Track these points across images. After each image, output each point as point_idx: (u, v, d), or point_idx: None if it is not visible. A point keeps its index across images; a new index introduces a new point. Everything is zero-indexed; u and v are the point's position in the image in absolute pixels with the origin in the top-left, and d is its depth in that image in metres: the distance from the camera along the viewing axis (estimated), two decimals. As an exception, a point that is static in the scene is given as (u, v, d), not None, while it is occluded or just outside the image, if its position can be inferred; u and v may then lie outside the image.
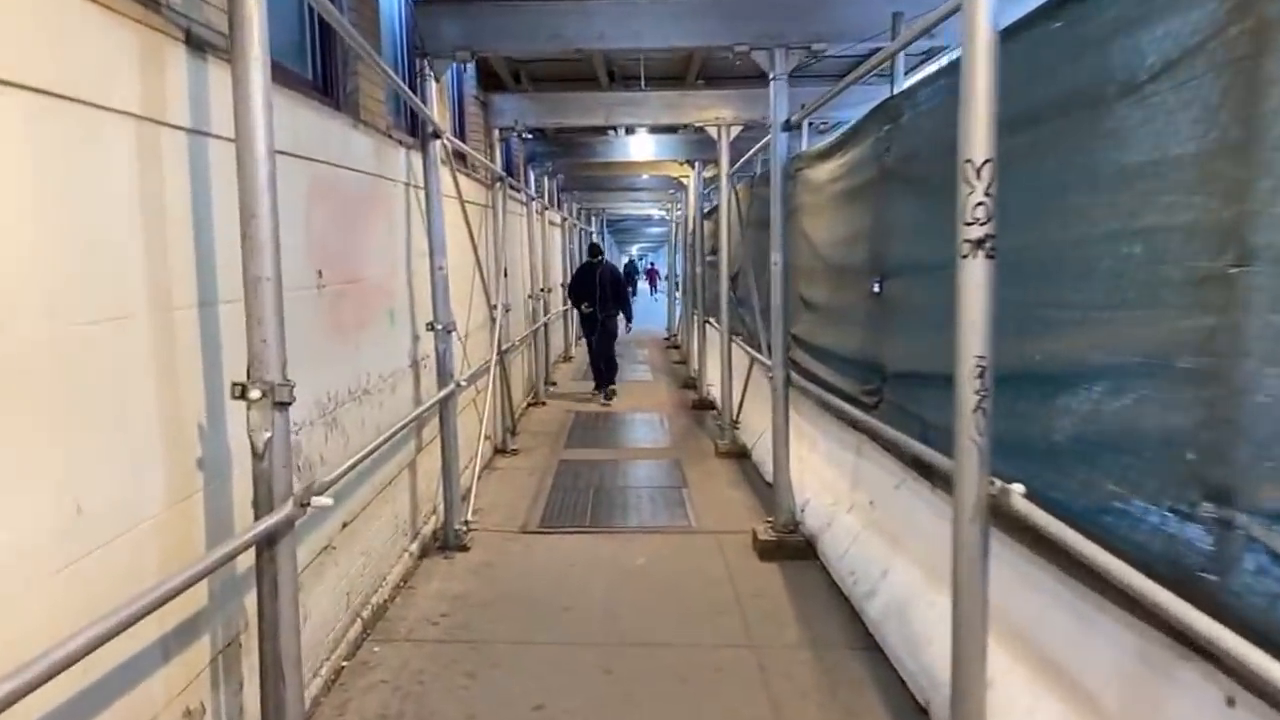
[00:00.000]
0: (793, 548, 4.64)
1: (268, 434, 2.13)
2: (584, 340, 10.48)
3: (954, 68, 3.38)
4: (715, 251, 11.03)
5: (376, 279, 4.01)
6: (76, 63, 1.80)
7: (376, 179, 4.02)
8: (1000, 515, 2.30)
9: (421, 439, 4.71)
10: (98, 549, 1.80)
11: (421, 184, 4.63)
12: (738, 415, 7.17)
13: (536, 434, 7.91)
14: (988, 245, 2.19)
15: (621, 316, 10.30)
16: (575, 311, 10.64)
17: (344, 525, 3.46)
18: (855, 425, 4.56)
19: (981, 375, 2.22)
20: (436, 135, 4.51)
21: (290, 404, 2.16)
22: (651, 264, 39.59)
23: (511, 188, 8.02)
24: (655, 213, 20.93)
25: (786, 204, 4.75)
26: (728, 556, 4.66)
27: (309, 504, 2.27)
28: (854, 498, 4.54)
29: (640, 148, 9.19)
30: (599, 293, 9.57)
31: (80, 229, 1.81)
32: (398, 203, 4.35)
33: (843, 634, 3.67)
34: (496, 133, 6.97)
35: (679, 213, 15.51)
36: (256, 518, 2.13)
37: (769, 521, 4.88)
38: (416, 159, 4.61)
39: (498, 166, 6.94)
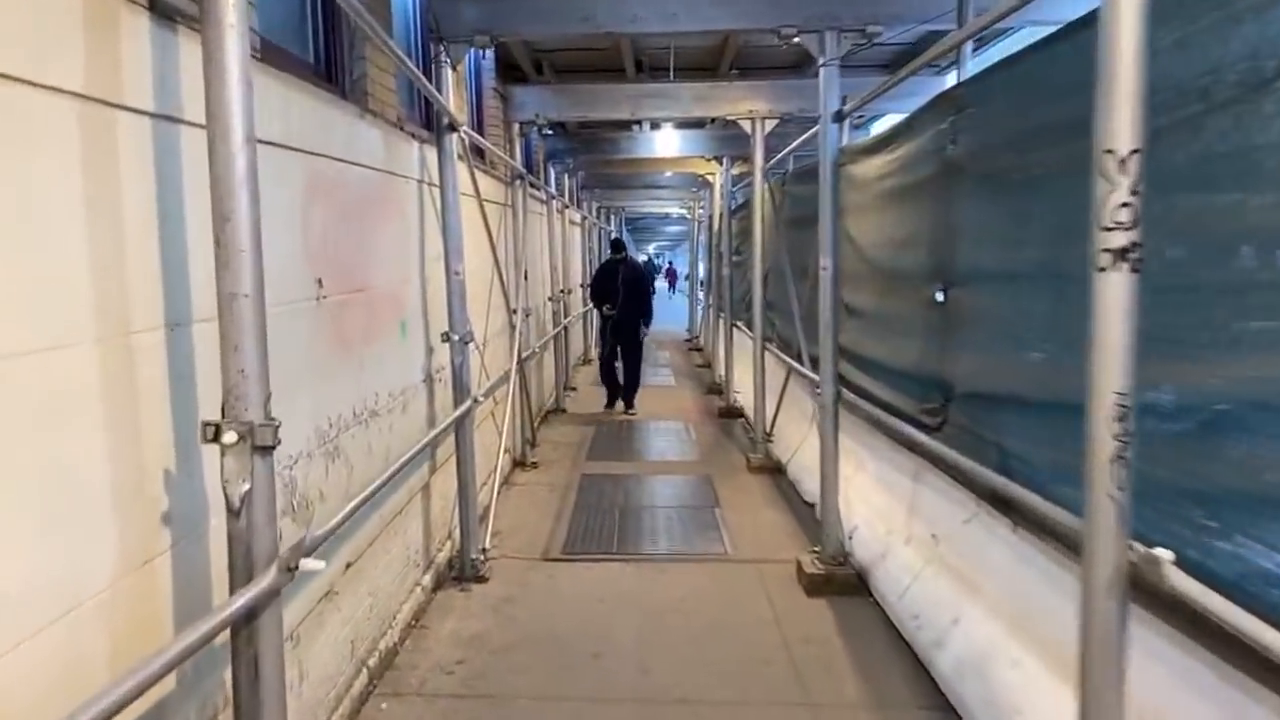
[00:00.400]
0: (842, 582, 4.21)
1: (245, 485, 1.73)
2: (602, 345, 9.54)
3: (1046, 47, 2.96)
4: (740, 252, 10.61)
5: (386, 286, 3.62)
6: (-6, 25, 1.40)
7: (387, 175, 3.63)
8: (1142, 589, 1.88)
9: (436, 459, 4.33)
10: (16, 645, 1.41)
11: (436, 181, 4.24)
12: (771, 427, 6.74)
13: (557, 444, 7.52)
14: (1133, 256, 1.76)
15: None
16: (596, 314, 10.00)
17: (347, 566, 3.07)
18: (912, 447, 4.13)
19: (1123, 418, 1.79)
20: (453, 128, 4.12)
21: (274, 447, 1.76)
22: (669, 263, 39.32)
23: (531, 185, 7.63)
24: (675, 210, 20.50)
25: (836, 202, 4.31)
26: (770, 591, 4.24)
27: (296, 568, 1.87)
28: (912, 528, 4.11)
29: (666, 143, 8.78)
30: (621, 293, 8.85)
31: None
32: (410, 201, 3.96)
33: (908, 689, 3.25)
34: (516, 127, 6.58)
35: (702, 211, 15.09)
36: (232, 590, 1.74)
37: (815, 551, 4.46)
38: (431, 154, 4.22)
39: (517, 163, 6.55)
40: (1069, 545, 2.58)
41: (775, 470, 6.56)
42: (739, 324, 9.66)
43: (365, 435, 3.25)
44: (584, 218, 12.73)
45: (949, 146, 3.74)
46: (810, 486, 5.87)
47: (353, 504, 2.51)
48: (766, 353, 6.86)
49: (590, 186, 13.05)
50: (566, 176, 10.46)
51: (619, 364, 9.06)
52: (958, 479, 3.69)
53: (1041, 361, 2.85)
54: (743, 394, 9.17)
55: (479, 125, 6.37)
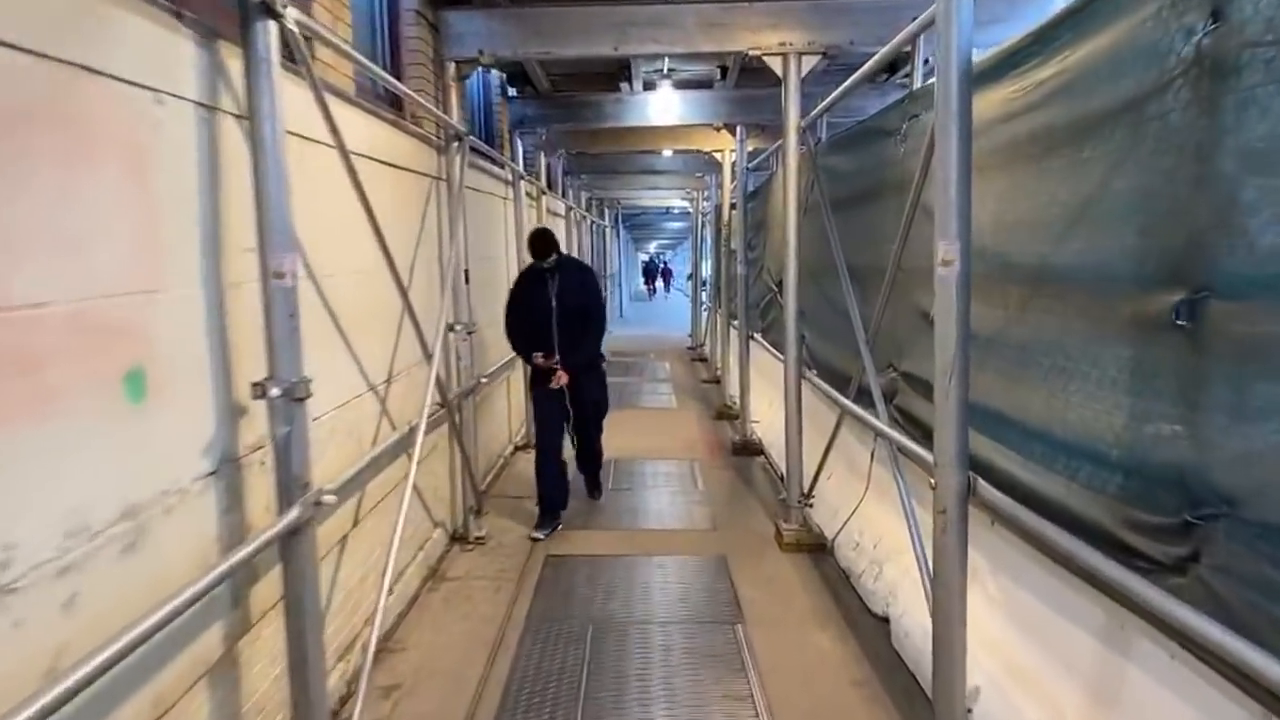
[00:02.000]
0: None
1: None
2: (538, 418, 5.33)
3: None
4: (754, 246, 8.71)
5: (85, 305, 1.74)
6: None
7: (75, 77, 1.74)
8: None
9: (249, 608, 2.44)
10: None
11: (239, 108, 2.36)
12: (811, 487, 4.84)
13: (516, 503, 5.62)
14: None
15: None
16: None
17: None
18: (1111, 591, 2.24)
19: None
20: (269, 9, 2.22)
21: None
22: (665, 262, 38.31)
23: (483, 155, 5.74)
24: (677, 204, 18.60)
25: (968, 145, 2.39)
26: None
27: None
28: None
29: (663, 108, 6.88)
30: (557, 325, 4.91)
31: None
32: (158, 137, 2.07)
33: None
34: (453, 68, 4.68)
35: (707, 204, 13.21)
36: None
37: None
38: (232, 59, 2.33)
39: (455, 119, 4.66)
40: None
41: (816, 548, 4.67)
42: (756, 336, 7.75)
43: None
44: (569, 208, 10.84)
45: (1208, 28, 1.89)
46: (876, 586, 3.97)
47: None
48: (805, 382, 4.94)
49: (575, 172, 11.15)
50: (543, 156, 8.56)
51: (569, 438, 5.35)
52: (1221, 668, 1.83)
53: None
54: (763, 425, 7.27)
55: (394, 64, 4.48)
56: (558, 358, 4.89)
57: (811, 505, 4.85)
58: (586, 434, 5.44)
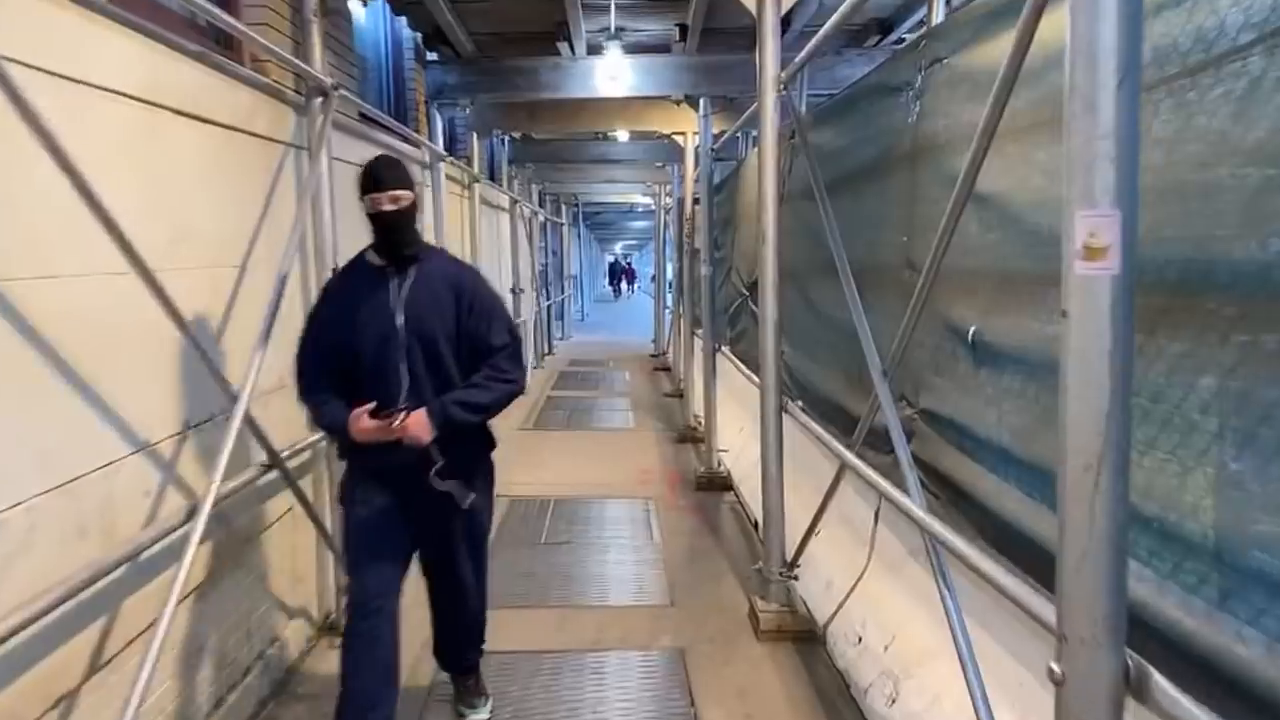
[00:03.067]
0: None
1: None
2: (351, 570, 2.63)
3: None
4: (719, 245, 7.59)
5: None
6: None
7: None
8: None
9: None
10: None
11: None
12: (796, 555, 3.69)
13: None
14: None
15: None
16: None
17: None
18: None
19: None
20: None
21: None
22: (629, 263, 38.47)
23: (375, 122, 4.54)
24: (639, 200, 17.46)
25: (1137, 39, 1.25)
26: None
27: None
28: None
29: (612, 75, 5.71)
30: (410, 365, 2.50)
31: None
32: None
33: None
34: (314, 1, 3.47)
35: (670, 198, 12.08)
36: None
37: None
38: None
39: (318, 67, 3.45)
40: None
41: (804, 636, 3.54)
42: (723, 349, 6.63)
43: None
44: (515, 201, 9.63)
45: None
46: (892, 715, 2.85)
47: None
48: (786, 416, 3.79)
49: (521, 161, 9.94)
50: (476, 139, 7.35)
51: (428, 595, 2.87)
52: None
53: None
54: (732, 454, 6.15)
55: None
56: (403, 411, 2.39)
57: (796, 578, 3.71)
58: (452, 586, 2.79)
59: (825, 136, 4.32)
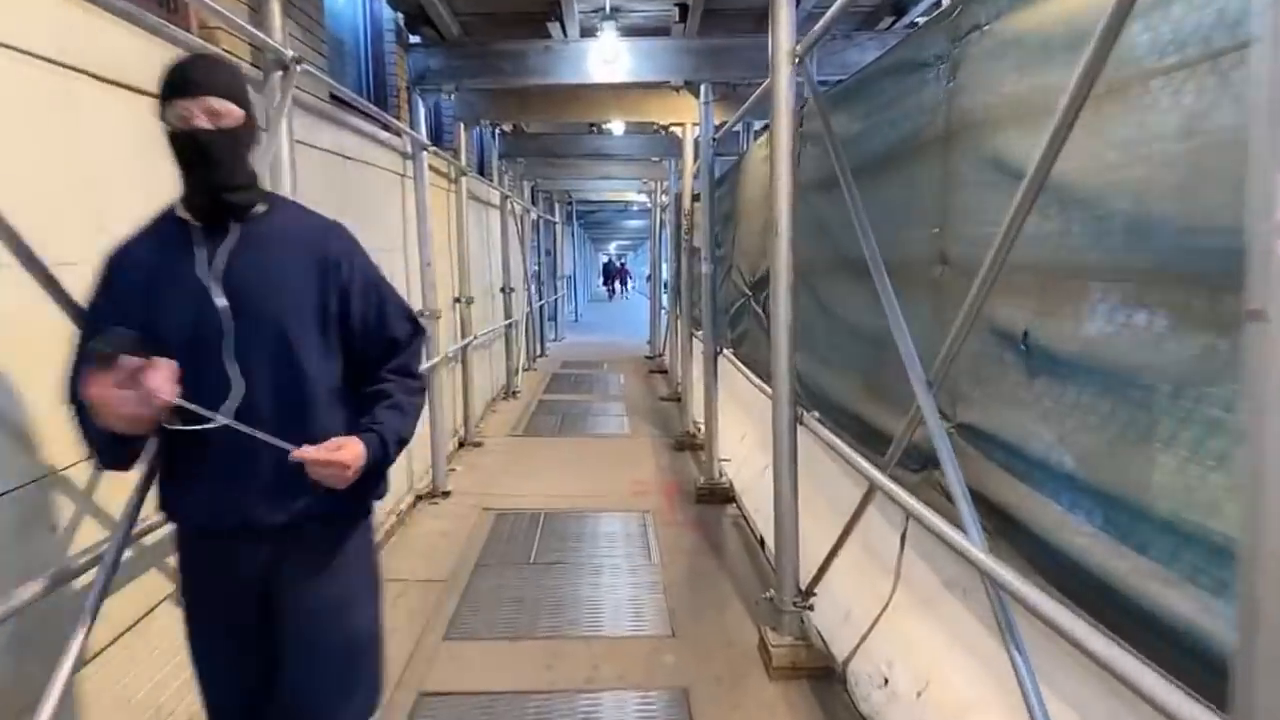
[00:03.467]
0: None
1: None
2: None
3: None
4: (719, 243, 7.22)
5: None
6: None
7: None
8: None
9: None
10: None
11: None
12: (814, 582, 3.31)
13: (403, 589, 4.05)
14: None
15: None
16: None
17: None
18: None
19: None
20: None
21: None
22: (622, 262, 38.28)
23: (349, 105, 4.17)
24: (634, 198, 17.09)
25: None
26: None
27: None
28: None
29: (607, 60, 5.33)
30: (240, 359, 1.64)
31: None
32: None
33: None
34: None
35: (666, 197, 11.72)
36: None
37: None
38: None
39: (278, 38, 3.07)
40: None
41: (821, 673, 3.18)
42: (725, 352, 6.27)
43: None
44: (505, 197, 9.25)
45: None
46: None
47: None
48: (801, 428, 3.41)
49: (512, 155, 9.55)
50: (463, 130, 6.96)
51: None
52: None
53: None
54: (735, 464, 5.78)
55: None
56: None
57: (811, 608, 3.35)
58: None
59: (838, 123, 3.96)
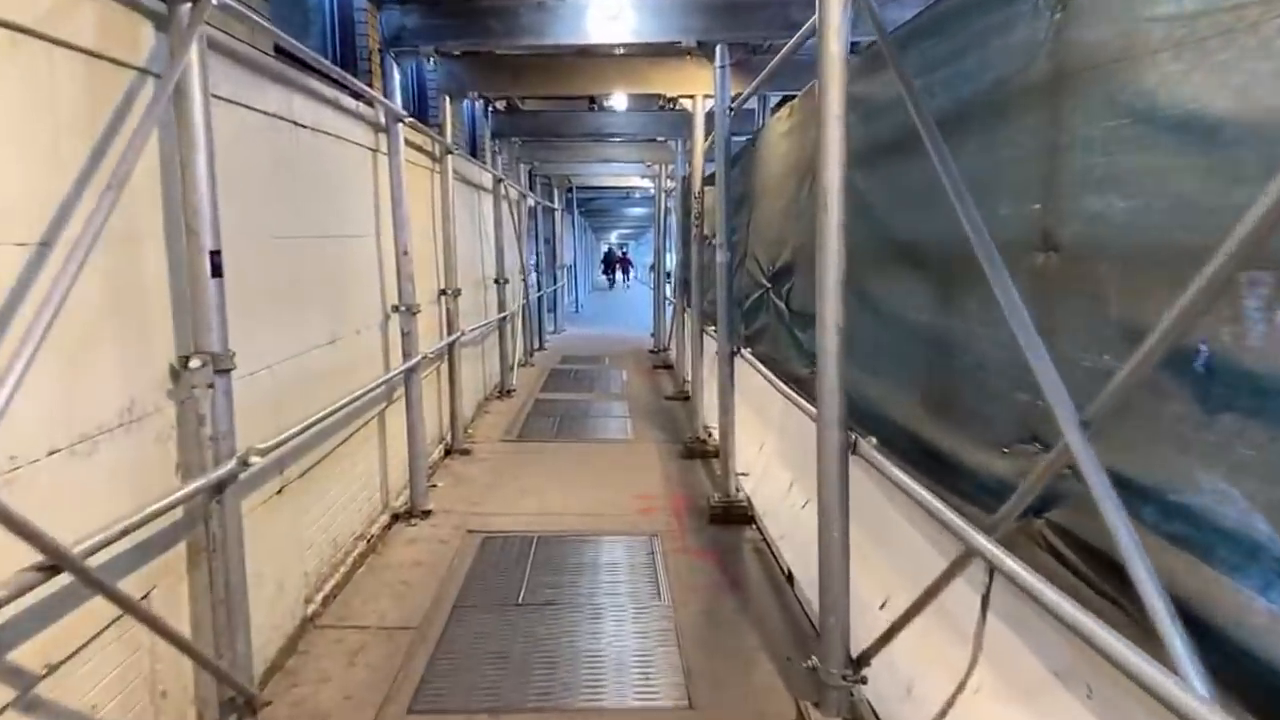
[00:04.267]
0: None
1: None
2: None
3: None
4: (733, 229, 6.52)
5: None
6: None
7: None
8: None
9: None
10: None
11: None
12: (871, 652, 2.65)
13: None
14: None
15: None
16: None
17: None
18: None
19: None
20: None
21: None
22: (624, 252, 37.71)
23: (297, 61, 3.49)
24: (637, 184, 16.39)
25: None
26: None
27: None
28: None
29: (609, 17, 4.63)
30: None
31: None
32: None
33: None
34: None
35: (671, 180, 11.04)
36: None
37: None
38: None
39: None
40: None
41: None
42: (744, 352, 5.59)
43: None
44: (498, 180, 8.55)
45: None
46: None
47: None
48: (854, 457, 2.74)
49: (506, 134, 8.84)
50: (449, 103, 6.27)
51: None
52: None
53: None
54: (754, 478, 5.12)
55: None
56: None
57: (864, 680, 2.69)
58: None
59: (877, 86, 3.31)
